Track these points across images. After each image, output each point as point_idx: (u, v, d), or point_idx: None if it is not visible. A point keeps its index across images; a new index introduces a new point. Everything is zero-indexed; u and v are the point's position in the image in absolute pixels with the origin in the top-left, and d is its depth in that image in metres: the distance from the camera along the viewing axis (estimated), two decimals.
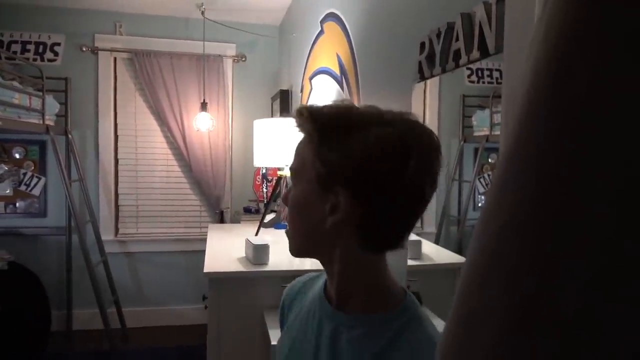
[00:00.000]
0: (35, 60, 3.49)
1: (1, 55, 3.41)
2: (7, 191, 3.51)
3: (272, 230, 2.70)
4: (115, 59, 3.66)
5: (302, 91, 2.83)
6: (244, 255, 2.01)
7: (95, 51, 3.58)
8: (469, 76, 1.70)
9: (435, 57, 1.09)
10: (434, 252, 1.91)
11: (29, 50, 3.51)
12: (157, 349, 3.26)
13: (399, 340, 0.64)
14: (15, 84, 2.74)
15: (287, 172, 2.29)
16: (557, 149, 0.19)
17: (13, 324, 2.99)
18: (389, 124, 0.62)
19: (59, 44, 3.53)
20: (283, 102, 3.16)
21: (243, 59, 3.83)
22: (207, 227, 3.81)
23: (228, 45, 3.77)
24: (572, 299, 0.18)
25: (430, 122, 2.09)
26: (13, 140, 3.48)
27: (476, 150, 1.78)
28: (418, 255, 1.76)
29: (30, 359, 3.04)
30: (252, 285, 1.81)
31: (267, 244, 1.87)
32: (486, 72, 1.64)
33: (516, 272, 0.19)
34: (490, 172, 1.85)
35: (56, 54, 3.55)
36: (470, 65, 1.72)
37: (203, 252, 2.26)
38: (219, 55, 3.70)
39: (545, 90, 0.20)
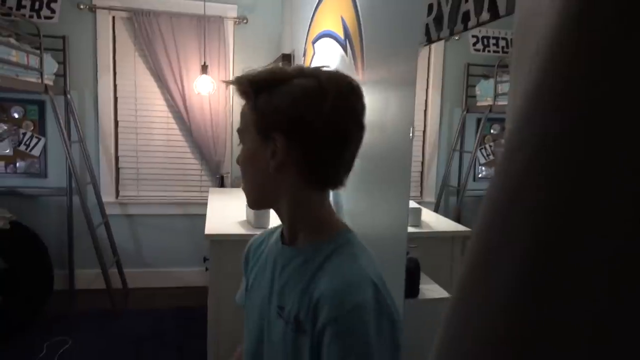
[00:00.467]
0: (31, 17, 3.41)
1: None
2: (7, 151, 3.50)
3: None
4: (113, 18, 3.58)
5: (304, 55, 2.78)
6: (245, 218, 2.02)
7: (93, 9, 3.49)
8: (474, 44, 1.67)
9: (443, 19, 1.06)
10: (434, 221, 1.92)
11: (24, 7, 3.41)
12: (157, 310, 3.33)
13: (327, 263, 0.72)
14: (12, 40, 2.69)
15: None
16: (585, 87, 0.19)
17: (15, 282, 3.04)
18: (310, 75, 0.72)
19: (55, 1, 3.44)
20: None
21: (245, 21, 3.74)
22: (207, 191, 3.83)
23: (229, 7, 3.68)
24: (594, 238, 0.18)
25: (434, 90, 2.07)
26: (11, 100, 3.44)
27: (479, 120, 1.76)
28: (417, 222, 1.77)
29: (33, 317, 3.11)
30: None
31: (268, 210, 1.88)
32: (492, 41, 1.60)
33: (540, 209, 0.19)
34: (492, 143, 1.84)
35: (53, 11, 3.46)
36: (476, 33, 1.68)
37: (203, 215, 2.27)
38: (220, 16, 3.62)
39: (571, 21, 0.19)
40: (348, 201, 1.91)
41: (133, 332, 3.02)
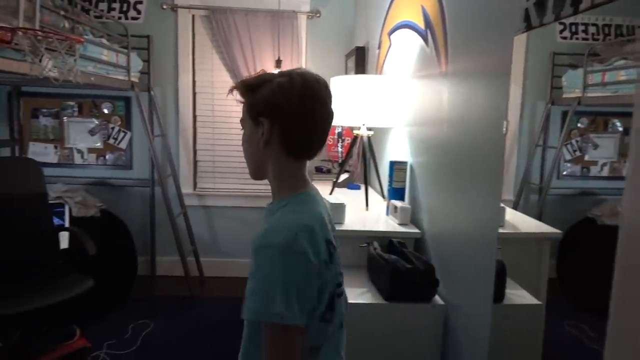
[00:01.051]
0: (120, 18, 3.63)
1: (90, 14, 3.58)
2: (98, 144, 3.77)
3: (345, 190, 2.69)
4: (193, 17, 3.72)
5: (379, 47, 2.71)
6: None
7: (174, 9, 3.65)
8: (560, 32, 1.52)
9: (547, 3, 0.97)
10: (518, 220, 1.79)
11: (114, 9, 3.64)
12: (231, 298, 3.44)
13: (276, 214, 0.94)
14: (104, 41, 2.86)
15: (363, 132, 2.24)
16: None
17: (104, 267, 3.27)
18: (286, 75, 0.95)
19: (141, 2, 3.64)
20: (358, 59, 3.06)
21: (317, 15, 3.74)
22: None
23: (303, 1, 3.69)
24: None
25: (514, 82, 1.93)
26: (102, 96, 3.70)
27: (565, 113, 1.62)
28: (502, 222, 1.66)
29: (119, 300, 3.33)
30: None
31: (343, 203, 1.85)
32: (581, 27, 1.46)
33: None
34: (579, 138, 1.68)
35: (139, 12, 3.66)
36: (564, 20, 1.53)
37: None
38: (294, 11, 3.63)
39: None
40: (427, 197, 1.84)
41: (210, 318, 3.14)
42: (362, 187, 2.77)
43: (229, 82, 3.79)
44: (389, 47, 2.47)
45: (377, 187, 2.51)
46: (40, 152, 3.73)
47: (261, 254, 0.87)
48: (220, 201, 3.91)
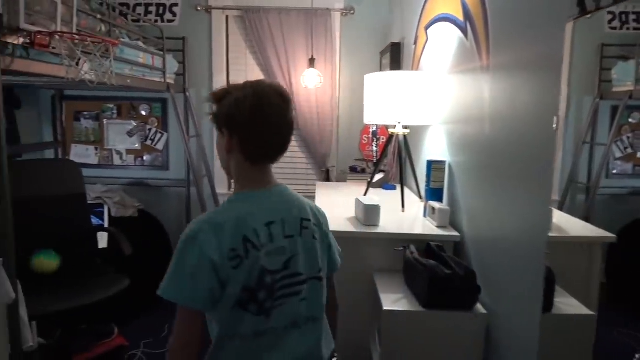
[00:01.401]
0: (156, 21, 3.68)
1: (128, 17, 3.65)
2: (136, 145, 3.84)
3: (380, 191, 2.61)
4: (227, 17, 3.73)
5: (415, 43, 2.62)
6: (354, 215, 1.94)
7: (209, 10, 3.67)
8: (610, 22, 1.40)
9: None
10: (565, 223, 1.67)
11: (151, 12, 3.70)
12: None
13: None
14: (140, 44, 2.90)
15: (399, 130, 2.16)
16: None
17: (141, 267, 3.32)
18: (241, 88, 1.05)
19: (176, 4, 3.68)
20: (394, 56, 2.97)
21: (352, 12, 3.67)
22: (313, 185, 3.85)
23: None
24: None
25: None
26: (140, 99, 3.77)
27: (614, 108, 1.49)
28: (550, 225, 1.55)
29: (156, 299, 3.37)
30: (362, 246, 1.75)
31: (378, 205, 1.78)
32: (632, 17, 1.33)
33: None
34: (630, 134, 1.55)
35: (174, 14, 3.70)
36: (613, 9, 1.40)
37: None
38: (327, 9, 3.58)
39: None
40: (467, 198, 1.74)
41: None
42: (398, 187, 2.69)
43: None
44: (426, 42, 2.38)
45: (414, 187, 2.42)
46: (82, 153, 3.84)
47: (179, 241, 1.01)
48: None
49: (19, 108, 3.47)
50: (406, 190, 2.14)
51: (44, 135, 3.84)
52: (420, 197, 2.32)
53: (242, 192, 1.09)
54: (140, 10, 3.70)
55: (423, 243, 1.67)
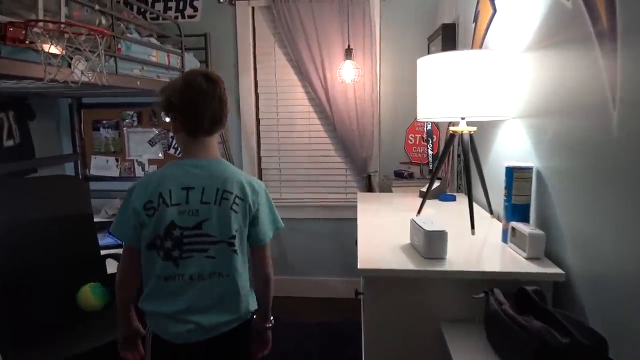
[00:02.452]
0: (176, 17, 3.35)
1: (147, 16, 3.34)
2: (159, 155, 3.52)
3: (436, 203, 2.14)
4: (253, 9, 3.35)
5: (476, 20, 2.13)
6: (409, 241, 1.49)
7: (232, 2, 3.30)
8: None
9: None
10: None
11: (170, 8, 3.38)
12: (300, 324, 3.01)
13: None
14: (153, 40, 2.56)
15: (463, 128, 1.68)
16: None
17: None
18: (178, 79, 1.36)
19: None
20: (446, 39, 2.49)
21: None
22: (353, 193, 3.40)
23: None
24: None
25: None
26: None
27: None
28: None
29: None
30: (424, 287, 1.29)
31: (444, 231, 1.32)
32: None
33: None
34: None
35: (195, 9, 3.36)
36: None
37: (349, 220, 1.86)
38: None
39: None
40: (571, 217, 1.25)
41: (274, 346, 2.73)
42: (457, 197, 2.20)
43: (294, 81, 3.38)
44: (493, 15, 1.89)
45: (481, 197, 1.94)
46: (102, 165, 3.56)
47: None
48: (288, 213, 3.48)
49: (33, 119, 3.22)
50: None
51: (63, 147, 3.59)
52: (491, 212, 1.83)
53: (177, 160, 1.35)
54: (160, 6, 3.38)
55: (510, 284, 1.19)
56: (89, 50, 1.71)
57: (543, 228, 1.39)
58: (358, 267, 1.28)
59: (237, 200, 1.29)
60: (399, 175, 3.16)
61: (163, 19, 3.28)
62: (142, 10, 3.27)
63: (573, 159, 1.23)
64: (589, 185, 1.15)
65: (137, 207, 1.23)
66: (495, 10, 1.87)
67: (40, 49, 1.53)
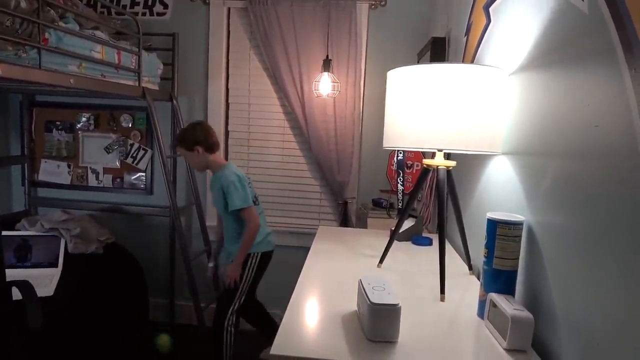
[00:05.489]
0: (144, 14, 3.04)
1: (112, 11, 3.02)
2: (116, 163, 3.18)
3: (408, 247, 1.78)
4: (229, 10, 3.03)
5: (468, 33, 1.80)
6: (356, 310, 1.13)
7: (206, 1, 2.99)
8: None
9: None
10: None
11: (138, 4, 3.06)
12: None
13: (220, 175, 2.35)
14: (99, 33, 2.22)
15: (440, 161, 1.33)
16: None
17: (107, 311, 2.61)
18: (192, 125, 2.40)
19: None
20: (435, 53, 2.16)
21: (382, 3, 2.89)
22: (327, 219, 3.05)
23: None
24: None
25: None
26: (121, 107, 3.12)
27: None
28: None
29: (126, 349, 2.66)
30: None
31: (396, 306, 0.96)
32: None
33: None
34: None
35: (166, 6, 3.04)
36: None
37: None
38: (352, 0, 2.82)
39: None
40: (575, 295, 0.90)
41: None
42: (434, 240, 1.84)
43: (268, 90, 3.05)
44: (487, 26, 1.56)
45: (458, 243, 1.59)
46: (53, 171, 3.21)
47: (228, 185, 2.25)
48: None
49: None
50: (448, 251, 1.31)
51: (11, 148, 3.24)
52: (470, 267, 1.48)
53: (224, 166, 2.36)
54: (126, 1, 3.06)
55: None
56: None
57: (532, 307, 1.03)
58: (270, 352, 0.91)
59: None
60: (377, 204, 2.81)
61: (118, 13, 2.96)
62: (93, 1, 2.94)
63: (580, 216, 0.88)
64: (600, 255, 0.80)
65: (247, 186, 2.31)
66: (489, 20, 1.54)
67: None
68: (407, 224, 1.84)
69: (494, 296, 1.05)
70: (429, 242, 1.81)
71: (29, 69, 1.74)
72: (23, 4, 1.71)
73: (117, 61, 2.33)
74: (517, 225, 1.07)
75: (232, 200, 2.23)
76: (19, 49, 1.72)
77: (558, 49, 1.02)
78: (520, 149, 1.20)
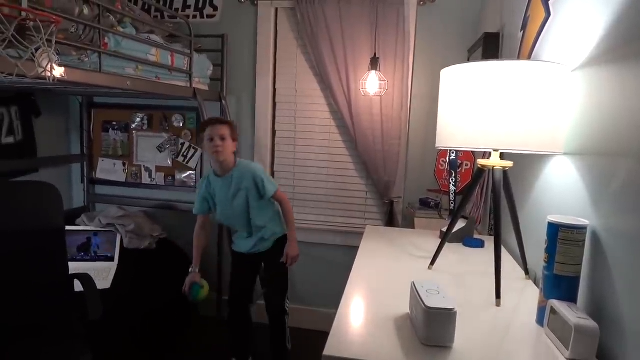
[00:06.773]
0: (195, 17, 3.13)
1: (165, 15, 3.12)
2: (168, 162, 3.29)
3: (459, 249, 1.74)
4: (276, 10, 3.07)
5: (524, 27, 1.73)
6: (408, 313, 1.11)
7: (255, 2, 3.04)
8: None
9: None
10: None
11: (189, 7, 3.15)
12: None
13: (242, 167, 2.33)
14: (154, 36, 2.31)
15: (495, 162, 1.29)
16: None
17: (159, 304, 2.71)
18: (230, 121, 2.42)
19: None
20: (488, 50, 2.09)
21: (432, 0, 2.83)
22: (373, 219, 3.03)
23: None
24: None
25: None
26: (173, 108, 3.23)
27: None
28: None
29: (174, 342, 2.76)
30: None
31: (452, 310, 0.94)
32: None
33: None
34: None
35: (215, 8, 3.12)
36: None
37: None
38: None
39: None
40: (635, 308, 0.84)
41: None
42: (487, 242, 1.79)
43: (315, 90, 3.07)
44: (545, 20, 1.49)
45: (512, 245, 1.53)
46: (109, 169, 3.37)
47: (260, 173, 2.28)
48: (300, 235, 3.16)
49: (38, 116, 3.06)
50: (502, 255, 1.26)
51: (72, 147, 3.43)
52: (527, 272, 1.42)
53: (239, 160, 2.35)
54: (179, 3, 3.16)
55: None
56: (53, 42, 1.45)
57: (596, 316, 0.98)
58: (323, 352, 0.91)
59: None
60: (424, 204, 2.76)
61: (170, 16, 3.06)
62: (147, 6, 3.05)
63: None
64: None
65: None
66: (549, 14, 1.47)
67: None
68: (459, 225, 1.80)
69: (555, 303, 1.00)
70: (480, 244, 1.76)
71: (91, 72, 1.84)
72: (86, 11, 1.80)
73: (170, 63, 2.42)
74: (581, 229, 1.02)
75: (269, 185, 2.26)
76: (81, 54, 1.81)
77: (630, 42, 0.95)
78: (587, 148, 1.14)
